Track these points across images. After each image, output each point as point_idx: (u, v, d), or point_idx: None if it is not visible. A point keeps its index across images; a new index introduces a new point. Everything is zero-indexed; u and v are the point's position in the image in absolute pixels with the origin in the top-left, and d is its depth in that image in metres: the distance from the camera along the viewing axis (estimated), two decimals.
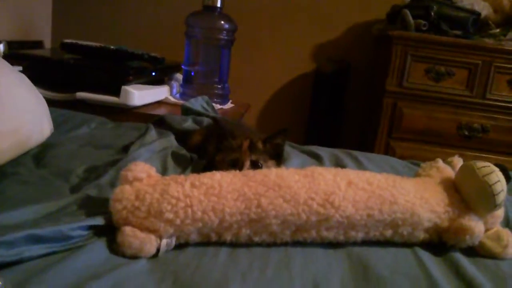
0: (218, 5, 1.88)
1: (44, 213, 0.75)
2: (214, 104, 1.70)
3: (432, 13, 1.89)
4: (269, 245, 0.75)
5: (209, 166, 0.97)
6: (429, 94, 1.92)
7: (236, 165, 0.93)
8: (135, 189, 0.73)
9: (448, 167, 0.89)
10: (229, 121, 1.44)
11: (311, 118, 2.45)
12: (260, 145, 0.97)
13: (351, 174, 0.79)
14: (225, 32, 1.93)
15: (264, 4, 2.44)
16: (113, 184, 0.87)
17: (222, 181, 0.74)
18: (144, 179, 0.75)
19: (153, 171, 0.77)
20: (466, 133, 1.93)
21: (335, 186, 0.75)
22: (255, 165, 0.93)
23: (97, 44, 1.77)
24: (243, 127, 1.28)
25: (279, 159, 1.00)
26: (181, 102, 1.83)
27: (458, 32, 1.90)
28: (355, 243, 0.77)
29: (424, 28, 1.88)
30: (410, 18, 1.89)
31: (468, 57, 1.88)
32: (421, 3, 1.95)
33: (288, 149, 1.29)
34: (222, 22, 1.92)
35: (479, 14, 1.94)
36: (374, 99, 2.10)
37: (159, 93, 1.88)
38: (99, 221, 0.71)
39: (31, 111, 1.06)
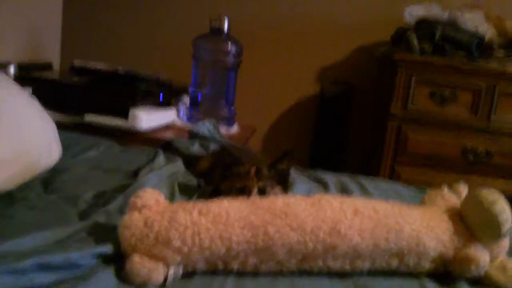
0: (225, 28, 1.90)
1: (54, 240, 0.76)
2: (220, 127, 1.72)
3: (437, 36, 1.91)
4: (275, 274, 0.75)
5: (215, 193, 0.98)
6: (433, 118, 1.92)
7: (244, 192, 0.93)
8: (143, 216, 0.73)
9: (454, 195, 0.89)
10: (235, 146, 1.46)
11: (315, 140, 2.46)
12: (266, 171, 0.97)
13: (357, 202, 0.80)
14: (231, 54, 1.95)
15: (269, 28, 2.47)
16: (121, 211, 0.88)
17: (229, 209, 0.75)
18: (153, 206, 0.76)
19: (161, 197, 0.78)
20: (471, 157, 1.93)
21: (342, 215, 0.76)
22: (262, 192, 0.94)
23: (106, 67, 1.79)
24: (248, 152, 1.29)
25: (285, 183, 1.00)
26: (188, 125, 1.85)
27: (462, 55, 1.91)
28: (361, 273, 0.77)
29: (429, 51, 1.90)
30: (415, 41, 1.90)
31: (472, 81, 1.88)
32: (426, 26, 1.96)
33: (293, 174, 1.29)
34: (229, 44, 1.95)
35: (483, 37, 1.95)
36: (379, 122, 2.10)
37: (166, 116, 1.89)
38: (108, 248, 0.72)
39: (40, 135, 1.07)
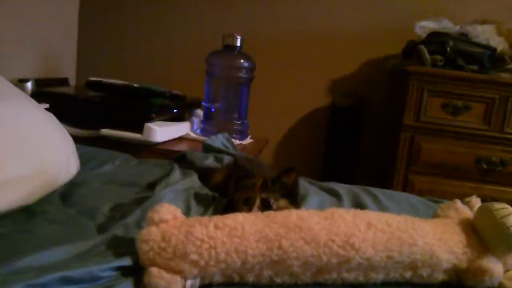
0: (238, 44, 1.93)
1: (74, 254, 0.77)
2: (233, 140, 1.74)
3: (448, 49, 1.92)
4: (290, 286, 0.76)
5: (229, 205, 0.99)
6: (446, 128, 1.93)
7: (248, 203, 0.95)
8: (161, 230, 0.75)
9: (466, 208, 0.90)
10: (249, 158, 1.47)
11: (327, 152, 2.47)
12: (271, 183, 0.99)
13: (371, 215, 0.81)
14: (244, 70, 1.97)
15: (281, 42, 2.50)
16: (139, 224, 0.90)
17: (244, 222, 0.76)
18: (170, 221, 0.77)
19: (178, 212, 0.80)
20: (485, 166, 1.93)
21: (355, 228, 0.77)
22: (265, 203, 0.95)
23: (121, 82, 1.82)
24: (261, 165, 1.31)
25: (292, 197, 1.00)
26: (201, 138, 1.87)
27: (474, 67, 1.92)
28: (375, 284, 0.78)
29: (440, 64, 1.91)
30: (427, 54, 1.91)
31: (485, 92, 1.89)
32: (436, 39, 1.97)
33: (306, 185, 1.31)
34: (242, 60, 1.97)
35: (495, 49, 1.96)
36: (391, 133, 2.11)
37: (180, 129, 1.92)
38: (127, 261, 0.74)
39: (58, 150, 1.09)
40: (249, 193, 0.97)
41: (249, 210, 0.93)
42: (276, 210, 0.93)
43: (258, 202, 0.95)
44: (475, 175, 1.96)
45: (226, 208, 0.95)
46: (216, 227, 0.75)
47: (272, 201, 0.95)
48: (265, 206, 0.94)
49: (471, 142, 1.94)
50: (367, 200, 1.22)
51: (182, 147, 1.80)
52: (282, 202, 0.97)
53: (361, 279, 0.77)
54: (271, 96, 2.52)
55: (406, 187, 1.98)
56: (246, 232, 0.75)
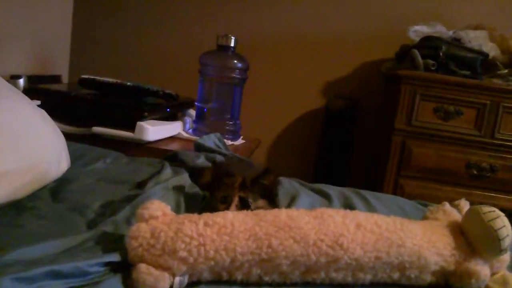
0: (232, 44, 1.93)
1: (63, 249, 0.77)
2: (225, 140, 1.74)
3: (441, 54, 1.93)
4: (279, 285, 0.76)
5: (208, 203, 1.00)
6: (438, 133, 1.95)
7: (226, 201, 0.95)
8: (150, 227, 0.75)
9: (455, 211, 0.91)
10: (240, 158, 1.48)
11: (320, 154, 2.48)
12: (250, 183, 0.98)
13: (360, 216, 0.81)
14: (237, 71, 1.97)
15: (275, 44, 2.51)
16: (128, 221, 0.90)
17: (234, 220, 0.77)
18: (160, 217, 0.77)
19: (168, 209, 0.80)
20: (475, 172, 1.95)
21: (344, 228, 0.77)
22: (243, 202, 0.95)
23: (114, 80, 1.82)
24: (251, 166, 1.31)
25: (271, 198, 1.00)
26: (193, 137, 1.87)
27: (466, 73, 1.93)
28: (363, 285, 0.78)
29: (433, 68, 1.92)
30: (419, 58, 1.93)
31: (476, 97, 1.91)
32: (430, 44, 1.99)
33: (297, 186, 1.31)
34: (235, 61, 1.97)
35: (487, 55, 1.97)
36: (383, 137, 2.12)
37: (173, 128, 1.92)
38: (115, 257, 0.74)
39: (50, 146, 1.08)
40: (227, 192, 0.96)
41: (227, 208, 0.93)
42: (253, 209, 0.93)
43: (236, 200, 0.94)
44: (465, 180, 1.97)
45: (204, 207, 0.95)
46: (206, 224, 0.75)
47: (250, 200, 0.95)
48: (243, 205, 0.94)
49: (461, 147, 1.95)
50: (357, 201, 1.22)
51: (174, 146, 1.80)
52: (261, 202, 0.97)
53: (349, 279, 0.77)
54: (264, 97, 2.53)
55: (396, 191, 1.99)
56: (235, 230, 0.75)
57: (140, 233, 0.74)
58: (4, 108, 0.98)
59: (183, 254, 0.72)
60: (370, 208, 1.19)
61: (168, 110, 1.89)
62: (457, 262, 0.79)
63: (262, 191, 0.98)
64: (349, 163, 2.50)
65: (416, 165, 1.98)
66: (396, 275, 0.78)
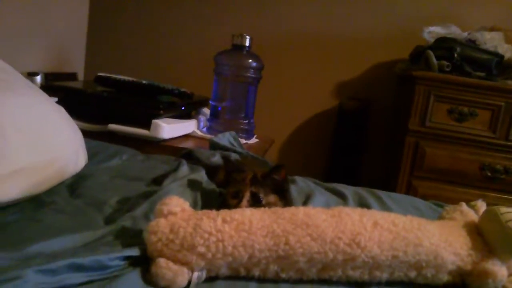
0: (247, 44, 1.94)
1: (83, 243, 0.78)
2: (239, 139, 1.74)
3: (456, 55, 1.92)
4: (295, 281, 0.77)
5: (222, 201, 1.01)
6: (452, 134, 1.94)
7: (237, 196, 0.96)
8: (169, 222, 0.76)
9: (472, 211, 0.91)
10: (254, 157, 1.48)
11: (333, 154, 2.48)
12: (261, 178, 0.99)
13: (377, 215, 0.82)
14: (252, 70, 1.98)
15: (289, 44, 2.51)
16: (147, 216, 0.91)
17: (252, 217, 0.77)
18: (178, 213, 0.78)
19: (186, 205, 0.81)
20: (489, 174, 1.94)
21: (362, 227, 0.77)
22: (255, 197, 0.95)
23: (130, 79, 1.83)
24: (264, 164, 1.31)
25: (282, 193, 1.01)
26: (208, 136, 1.88)
27: (481, 74, 1.92)
28: (379, 283, 0.78)
29: (447, 69, 1.91)
30: (434, 59, 1.92)
31: (491, 99, 1.90)
32: (444, 45, 1.98)
33: (312, 186, 1.31)
34: (250, 60, 1.98)
35: (502, 56, 1.96)
36: (396, 137, 2.12)
37: (187, 127, 1.93)
38: (135, 252, 0.75)
39: (68, 142, 1.10)
40: (238, 187, 0.97)
41: (238, 203, 0.93)
42: (265, 204, 0.94)
43: (248, 195, 0.95)
44: (479, 182, 1.96)
45: (221, 204, 0.95)
46: (224, 221, 0.76)
47: (261, 195, 0.96)
48: (255, 200, 0.95)
49: (475, 149, 1.94)
50: (372, 201, 1.22)
51: (188, 144, 1.81)
52: (272, 197, 0.98)
53: (366, 277, 0.78)
54: (278, 97, 2.53)
55: (409, 192, 1.98)
56: (253, 227, 0.75)
57: (159, 228, 0.75)
58: (23, 104, 1.00)
59: (201, 249, 0.72)
60: (385, 208, 1.19)
61: (183, 108, 1.90)
62: (474, 262, 0.79)
63: (273, 186, 0.99)
64: (361, 163, 2.50)
65: (430, 166, 1.97)
66: (412, 274, 0.78)
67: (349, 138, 2.39)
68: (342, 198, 1.24)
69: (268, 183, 0.98)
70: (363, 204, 1.20)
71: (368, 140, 2.48)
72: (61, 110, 1.19)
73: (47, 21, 2.28)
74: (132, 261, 0.75)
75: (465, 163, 1.96)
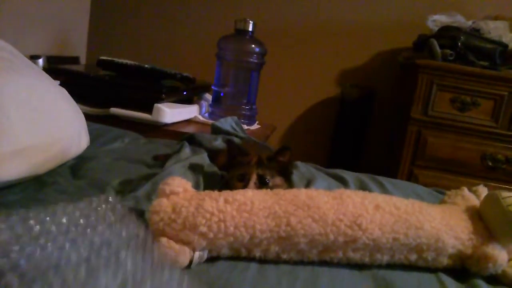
0: (250, 29, 1.93)
1: None
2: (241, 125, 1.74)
3: (459, 44, 1.91)
4: (296, 263, 0.77)
5: (225, 184, 1.01)
6: (454, 124, 1.93)
7: (244, 179, 0.96)
8: (172, 202, 0.76)
9: (473, 196, 0.91)
10: (255, 142, 1.48)
11: (334, 142, 2.48)
12: (267, 161, 0.99)
13: (379, 198, 0.82)
14: (255, 55, 1.98)
15: (292, 30, 2.50)
16: (149, 197, 0.91)
17: (254, 198, 0.77)
18: (181, 193, 0.78)
19: (189, 186, 0.81)
20: (490, 163, 1.94)
21: (363, 209, 0.78)
22: (261, 179, 0.95)
23: (132, 63, 1.83)
24: (266, 148, 1.32)
25: (287, 175, 1.02)
26: (209, 121, 1.88)
27: (485, 63, 1.91)
28: (380, 266, 0.79)
29: (451, 58, 1.90)
30: (437, 48, 1.91)
31: (494, 88, 1.89)
32: (448, 33, 1.97)
33: (313, 171, 1.32)
34: (253, 45, 1.97)
35: (506, 46, 1.95)
36: (398, 126, 2.12)
37: (189, 111, 1.93)
38: None
39: (70, 124, 1.10)
40: (244, 170, 0.97)
41: (245, 186, 0.93)
42: (271, 187, 0.94)
43: (254, 177, 0.95)
44: (480, 172, 1.96)
45: (222, 187, 0.95)
46: (226, 201, 0.76)
47: (268, 177, 0.96)
48: (261, 183, 0.95)
49: (477, 139, 1.94)
50: (373, 187, 1.23)
51: (190, 129, 1.81)
52: (278, 179, 0.98)
53: (367, 259, 0.78)
54: (280, 84, 2.53)
55: (410, 180, 1.98)
56: (255, 208, 0.76)
57: (161, 208, 0.75)
58: (26, 84, 1.00)
59: (203, 229, 0.73)
60: (386, 193, 1.18)
61: (185, 93, 1.90)
62: (474, 246, 0.79)
63: (279, 168, 0.99)
64: (363, 151, 2.50)
65: (431, 155, 1.97)
66: (413, 257, 0.79)
67: (351, 125, 2.39)
68: (344, 183, 1.24)
69: (274, 165, 0.98)
70: (364, 189, 1.19)
71: (370, 128, 2.47)
72: (64, 92, 1.19)
73: (50, 4, 2.28)
74: None
75: (466, 152, 1.95)
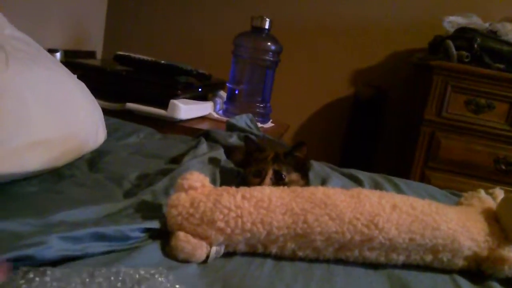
0: (266, 26, 1.93)
1: (104, 214, 0.80)
2: None
3: (476, 45, 1.90)
4: (312, 260, 0.78)
5: (242, 180, 1.02)
6: (468, 126, 1.92)
7: (260, 175, 0.96)
8: (190, 197, 0.77)
9: (490, 198, 0.91)
10: (270, 139, 1.49)
11: (347, 141, 2.48)
12: (283, 157, 1.00)
13: (396, 198, 0.82)
14: (271, 53, 1.98)
15: (307, 29, 2.50)
16: (166, 191, 0.92)
17: (271, 195, 0.78)
18: (199, 188, 0.79)
19: (207, 181, 0.82)
20: (503, 167, 1.92)
21: (380, 208, 0.78)
22: (278, 175, 0.96)
23: (148, 58, 1.84)
24: (279, 144, 1.32)
25: (303, 171, 1.02)
26: (224, 118, 1.88)
27: (500, 66, 1.90)
28: (395, 266, 0.79)
29: (467, 60, 1.89)
30: (453, 49, 1.90)
31: (509, 91, 1.87)
32: (464, 35, 1.96)
33: (328, 170, 1.32)
34: (269, 43, 1.97)
35: None
36: (412, 127, 2.11)
37: (204, 108, 1.94)
38: (155, 224, 0.76)
39: (88, 118, 1.11)
40: (260, 165, 0.97)
41: (261, 182, 0.94)
42: (288, 182, 0.94)
43: (270, 173, 0.96)
44: (493, 175, 1.94)
45: (239, 183, 0.96)
46: (244, 197, 0.77)
47: (284, 173, 0.96)
48: (277, 178, 0.95)
49: (491, 142, 1.93)
50: (388, 187, 1.22)
51: (204, 126, 1.82)
52: (294, 175, 0.98)
53: (382, 259, 0.78)
54: (295, 82, 2.53)
55: (423, 182, 1.97)
56: (272, 205, 0.76)
57: (179, 202, 0.76)
58: (46, 77, 1.01)
59: (221, 224, 0.74)
60: (401, 193, 1.19)
61: (200, 89, 1.90)
62: (490, 248, 0.79)
63: (295, 164, 0.99)
64: (375, 152, 2.49)
65: (444, 157, 1.96)
66: (429, 258, 0.79)
67: (364, 125, 2.38)
68: (358, 183, 1.24)
69: (290, 161, 0.99)
70: (379, 189, 1.18)
71: (383, 128, 2.47)
72: (83, 86, 1.20)
73: (67, 0, 2.29)
74: (152, 234, 0.76)
75: (479, 155, 1.94)
